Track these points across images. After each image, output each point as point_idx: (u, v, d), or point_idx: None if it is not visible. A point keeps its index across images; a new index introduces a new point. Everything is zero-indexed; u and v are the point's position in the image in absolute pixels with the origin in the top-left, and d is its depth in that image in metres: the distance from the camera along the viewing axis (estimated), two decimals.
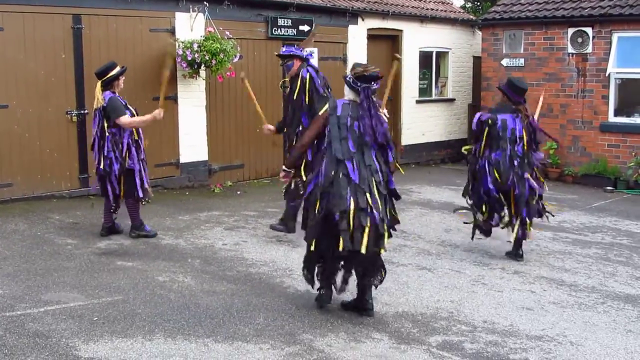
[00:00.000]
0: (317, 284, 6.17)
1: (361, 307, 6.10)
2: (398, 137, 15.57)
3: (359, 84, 5.91)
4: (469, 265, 7.77)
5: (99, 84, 8.12)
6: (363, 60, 14.57)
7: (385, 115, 6.18)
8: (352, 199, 5.74)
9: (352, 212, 5.73)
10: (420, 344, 5.52)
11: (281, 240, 8.50)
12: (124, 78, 8.29)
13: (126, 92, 10.82)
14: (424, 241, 8.82)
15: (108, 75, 8.09)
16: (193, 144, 11.81)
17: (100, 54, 10.44)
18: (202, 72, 11.45)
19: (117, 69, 8.17)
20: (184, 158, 11.74)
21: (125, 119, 8.03)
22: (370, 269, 6.01)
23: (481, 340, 5.65)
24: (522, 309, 6.42)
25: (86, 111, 10.41)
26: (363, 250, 5.70)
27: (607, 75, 13.64)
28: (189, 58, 10.90)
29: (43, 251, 7.74)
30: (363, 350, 5.36)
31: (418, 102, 15.86)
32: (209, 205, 10.49)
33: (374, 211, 5.77)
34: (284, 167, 6.38)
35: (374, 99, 5.99)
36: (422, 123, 15.99)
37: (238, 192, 11.67)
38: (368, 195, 5.78)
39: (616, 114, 13.81)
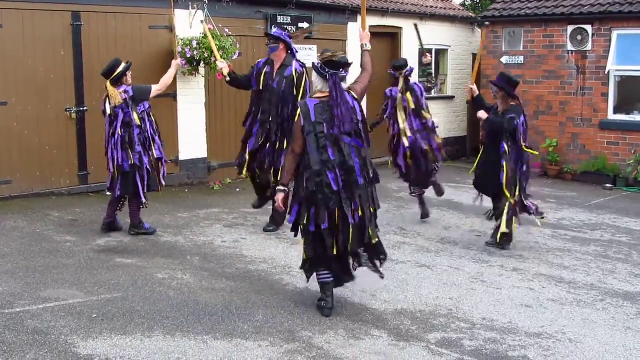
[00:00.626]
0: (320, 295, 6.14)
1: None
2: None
3: (327, 70, 5.80)
4: (468, 263, 7.77)
5: (108, 83, 8.14)
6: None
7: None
8: (336, 208, 5.76)
9: (337, 219, 5.79)
10: (419, 341, 5.52)
11: (280, 238, 8.50)
12: (130, 73, 8.32)
13: None
14: (423, 238, 8.81)
15: (115, 73, 8.11)
16: (192, 142, 11.80)
17: (99, 51, 10.45)
18: (202, 70, 11.45)
19: (123, 65, 8.21)
20: (183, 155, 11.74)
21: (157, 87, 8.48)
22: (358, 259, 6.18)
23: (480, 337, 5.66)
24: (521, 306, 6.42)
25: (86, 108, 10.42)
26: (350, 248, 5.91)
27: (606, 72, 13.64)
28: (188, 55, 10.90)
29: (42, 248, 7.74)
30: (362, 347, 5.36)
31: None
32: (208, 203, 10.49)
33: (357, 213, 5.82)
34: (280, 187, 6.00)
35: (344, 86, 5.90)
36: None
37: (237, 190, 11.67)
38: (351, 198, 5.79)
39: (615, 112, 13.82)
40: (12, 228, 8.52)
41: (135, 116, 8.11)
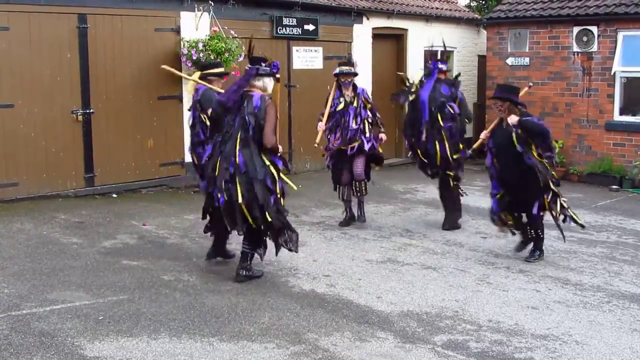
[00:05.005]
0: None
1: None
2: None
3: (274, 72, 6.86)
4: (474, 265, 7.76)
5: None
6: (368, 59, 14.59)
7: None
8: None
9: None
10: (425, 343, 5.52)
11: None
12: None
13: (131, 91, 10.88)
14: (428, 240, 8.80)
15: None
16: None
17: (105, 54, 10.49)
18: None
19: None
20: (189, 157, 11.70)
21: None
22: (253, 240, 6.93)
23: (486, 339, 5.65)
24: (527, 308, 6.41)
25: (92, 110, 10.45)
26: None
27: (612, 74, 13.61)
28: (194, 57, 10.91)
29: (49, 250, 7.76)
30: (368, 350, 5.36)
31: None
32: None
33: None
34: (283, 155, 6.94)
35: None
36: None
37: None
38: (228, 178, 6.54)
39: (621, 113, 13.77)
40: (19, 230, 8.55)
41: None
